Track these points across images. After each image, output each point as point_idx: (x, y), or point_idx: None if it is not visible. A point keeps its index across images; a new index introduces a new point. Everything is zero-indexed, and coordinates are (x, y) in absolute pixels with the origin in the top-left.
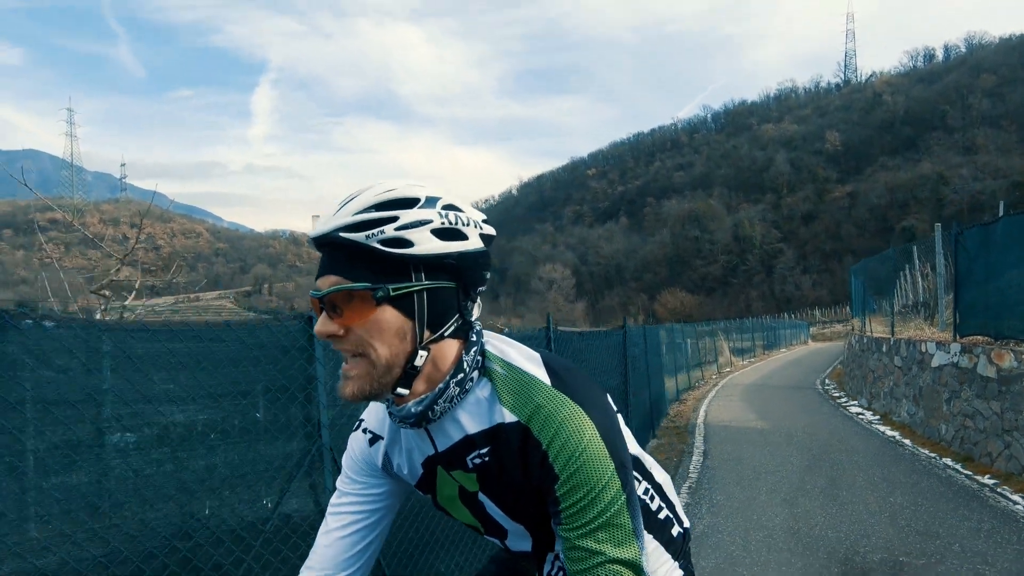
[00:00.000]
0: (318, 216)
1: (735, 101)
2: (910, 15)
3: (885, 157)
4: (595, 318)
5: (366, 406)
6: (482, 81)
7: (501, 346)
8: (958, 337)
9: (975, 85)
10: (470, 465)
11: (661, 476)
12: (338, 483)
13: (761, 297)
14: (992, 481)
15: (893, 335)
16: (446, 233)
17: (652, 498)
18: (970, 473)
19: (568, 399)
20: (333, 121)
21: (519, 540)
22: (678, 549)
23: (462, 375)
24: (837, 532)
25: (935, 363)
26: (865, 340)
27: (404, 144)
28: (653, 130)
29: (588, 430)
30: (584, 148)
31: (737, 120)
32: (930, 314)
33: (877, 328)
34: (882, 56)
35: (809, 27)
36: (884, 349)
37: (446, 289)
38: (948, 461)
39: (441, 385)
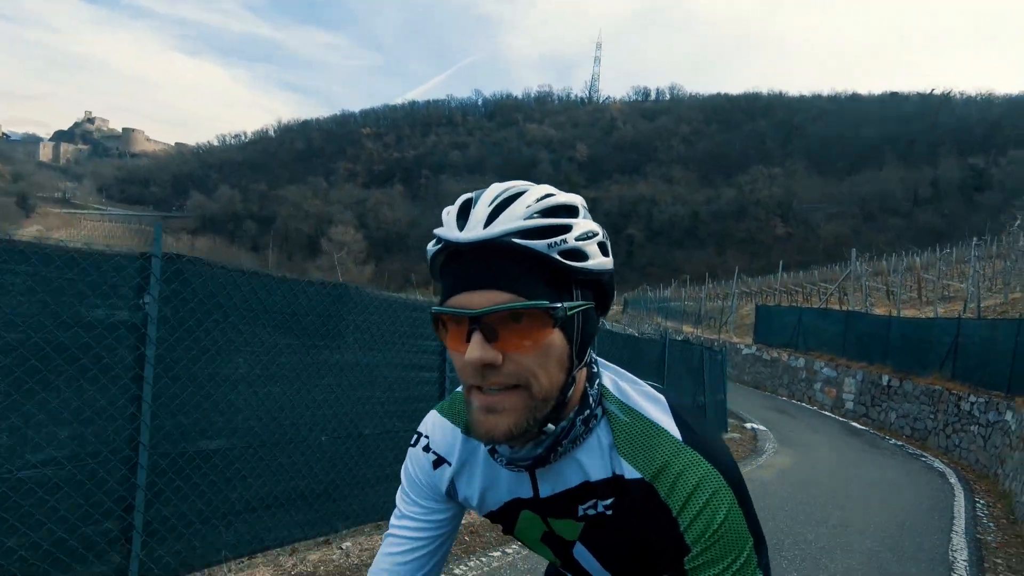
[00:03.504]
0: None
1: (503, 93)
2: (635, 57)
3: (617, 173)
4: (383, 284)
5: None
6: None
7: (618, 381)
8: (754, 343)
9: (677, 131)
10: (580, 513)
11: None
12: (398, 501)
13: None
14: (770, 394)
15: (719, 339)
16: (604, 248)
17: None
18: (763, 392)
19: (702, 458)
20: None
21: None
22: None
23: (588, 411)
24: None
25: (744, 353)
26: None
27: (102, 32)
28: (428, 102)
29: (727, 499)
30: (347, 97)
31: (505, 112)
32: (719, 327)
33: (708, 334)
34: (616, 84)
35: (557, 33)
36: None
37: (592, 309)
38: (756, 389)
39: (564, 423)
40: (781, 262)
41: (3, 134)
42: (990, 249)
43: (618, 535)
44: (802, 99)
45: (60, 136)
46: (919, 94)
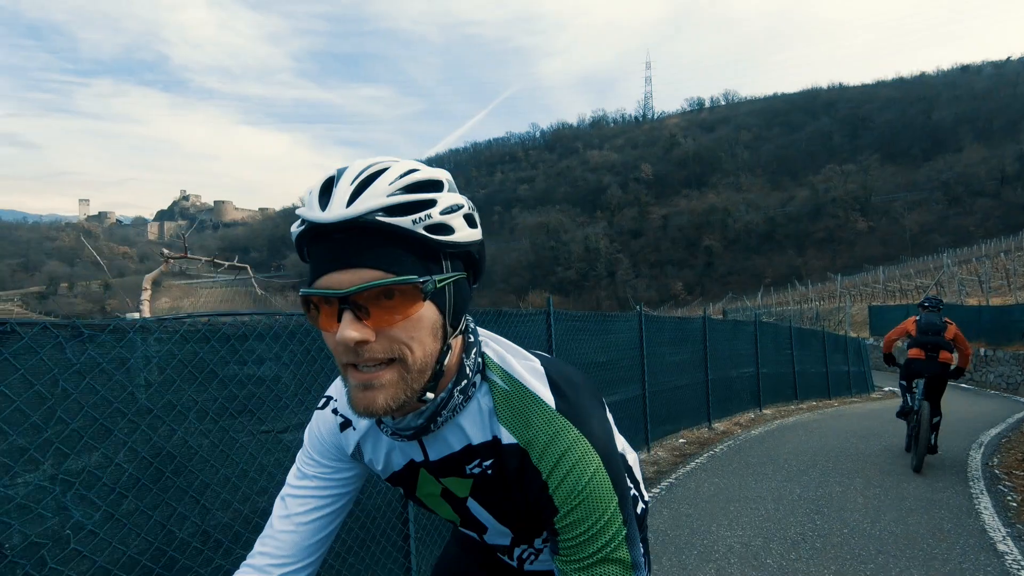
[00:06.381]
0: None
1: (559, 124)
2: (681, 67)
3: (685, 188)
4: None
5: None
6: (277, 58)
7: (500, 350)
8: (871, 335)
9: (738, 138)
10: (467, 472)
11: (631, 457)
12: (299, 462)
13: (608, 297)
14: (891, 372)
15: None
16: (471, 220)
17: None
18: (884, 371)
19: (572, 425)
20: (78, 81)
21: (499, 536)
22: (640, 524)
23: (465, 381)
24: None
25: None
26: None
27: (179, 118)
28: (489, 141)
29: (592, 463)
30: (398, 144)
31: (564, 142)
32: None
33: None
34: (668, 98)
35: (591, 52)
36: None
37: (464, 280)
38: (876, 371)
39: (443, 394)
40: (882, 268)
41: (117, 220)
42: None
43: (501, 491)
44: (865, 88)
45: (162, 215)
46: (992, 64)
